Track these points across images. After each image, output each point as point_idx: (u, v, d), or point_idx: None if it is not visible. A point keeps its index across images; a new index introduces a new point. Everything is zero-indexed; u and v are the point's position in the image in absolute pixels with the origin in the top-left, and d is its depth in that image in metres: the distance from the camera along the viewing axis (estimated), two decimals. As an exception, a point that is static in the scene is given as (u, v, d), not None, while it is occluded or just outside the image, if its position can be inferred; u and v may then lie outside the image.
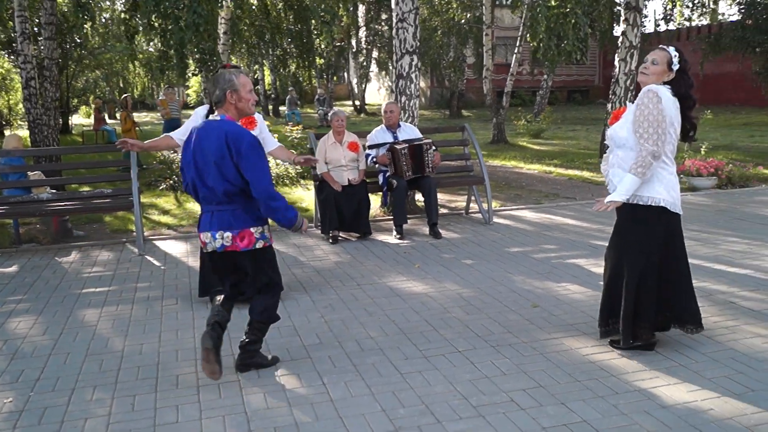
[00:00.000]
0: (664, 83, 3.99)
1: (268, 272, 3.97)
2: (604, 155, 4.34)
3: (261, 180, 3.69)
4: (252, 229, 3.82)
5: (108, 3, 27.35)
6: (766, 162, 12.54)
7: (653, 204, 3.98)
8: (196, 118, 5.19)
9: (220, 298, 4.14)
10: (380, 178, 8.07)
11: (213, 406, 3.67)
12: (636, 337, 4.16)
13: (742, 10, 22.22)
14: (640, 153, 3.86)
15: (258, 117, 5.52)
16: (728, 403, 3.53)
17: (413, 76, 9.09)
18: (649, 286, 4.08)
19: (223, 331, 3.90)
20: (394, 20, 9.12)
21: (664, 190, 3.98)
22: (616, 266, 4.19)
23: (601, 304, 4.34)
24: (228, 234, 3.79)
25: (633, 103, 4.05)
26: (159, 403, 3.72)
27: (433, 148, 7.78)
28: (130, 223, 8.87)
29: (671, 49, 4.01)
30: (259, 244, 3.85)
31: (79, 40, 22.30)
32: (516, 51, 18.91)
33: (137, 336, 4.79)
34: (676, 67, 3.97)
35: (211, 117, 3.91)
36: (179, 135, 5.36)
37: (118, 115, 26.09)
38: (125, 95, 15.64)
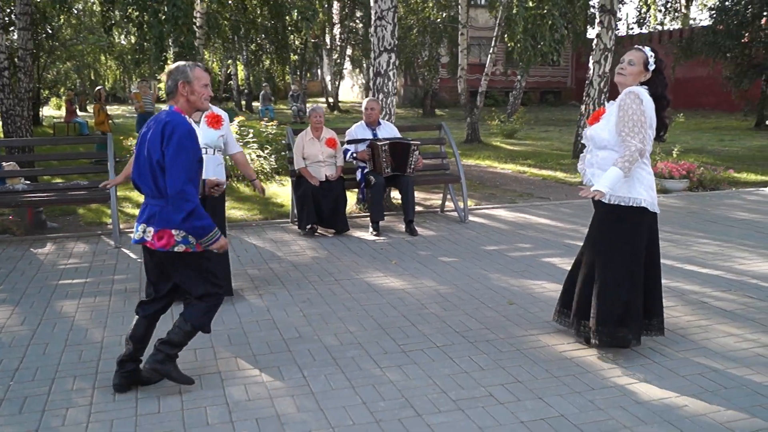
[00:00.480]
0: (641, 83, 4.05)
1: (195, 282, 3.66)
2: (581, 155, 4.40)
3: (175, 176, 3.41)
4: (173, 231, 3.53)
5: (82, -6, 27.00)
6: (736, 165, 12.80)
7: (635, 205, 4.03)
8: None
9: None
10: (358, 174, 8.10)
11: (194, 397, 3.67)
12: (620, 340, 4.15)
13: (713, 16, 22.59)
14: (628, 149, 3.88)
15: (225, 118, 5.44)
16: (702, 399, 3.62)
17: (391, 73, 9.13)
18: (638, 288, 4.11)
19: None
20: (373, 18, 9.15)
21: (644, 191, 4.04)
22: (594, 266, 4.19)
23: (563, 298, 4.42)
24: (150, 229, 3.57)
25: (609, 103, 4.11)
26: (140, 393, 3.72)
27: (418, 150, 7.86)
28: (104, 216, 8.81)
29: (647, 49, 4.06)
30: (179, 248, 3.55)
31: (50, 32, 21.97)
32: (491, 51, 19.05)
33: (116, 327, 4.77)
34: (652, 67, 4.03)
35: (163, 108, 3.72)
36: None
37: (90, 108, 25.78)
38: (98, 87, 15.47)
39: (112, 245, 7.18)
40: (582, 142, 4.32)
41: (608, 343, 4.17)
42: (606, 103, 4.17)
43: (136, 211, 9.01)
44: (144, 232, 3.59)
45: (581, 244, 6.92)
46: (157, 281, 3.78)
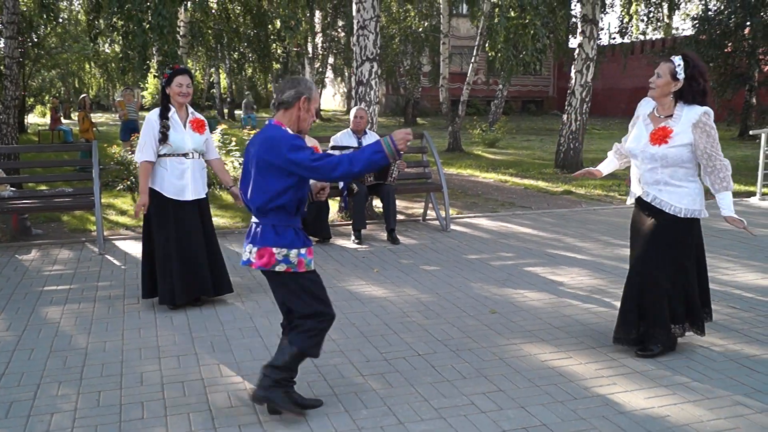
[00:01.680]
0: (673, 93, 4.07)
1: (298, 301, 3.47)
2: (633, 174, 4.40)
3: (317, 168, 3.25)
4: (274, 249, 3.37)
5: (65, 3, 26.87)
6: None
7: (696, 216, 4.17)
8: (151, 125, 5.13)
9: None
10: (340, 183, 8.12)
11: (178, 403, 3.67)
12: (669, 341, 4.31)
13: (696, 26, 22.83)
14: (723, 169, 4.04)
15: (206, 123, 5.49)
16: (684, 409, 3.65)
17: (373, 82, 9.17)
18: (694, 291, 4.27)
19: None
20: (355, 27, 9.20)
21: (699, 204, 4.18)
22: (657, 276, 4.23)
23: (626, 312, 4.36)
24: (254, 249, 3.42)
25: (672, 120, 4.09)
26: (124, 399, 3.73)
27: (401, 159, 7.89)
28: (89, 223, 8.77)
29: (676, 59, 4.04)
30: (280, 267, 3.38)
31: (36, 40, 21.87)
32: (472, 60, 19.18)
33: (100, 334, 4.78)
34: (681, 76, 4.00)
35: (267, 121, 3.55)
36: (149, 156, 5.14)
37: (75, 116, 25.62)
38: (83, 95, 15.40)
39: (96, 252, 7.17)
40: (640, 161, 4.27)
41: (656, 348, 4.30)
42: (668, 120, 4.12)
43: (120, 219, 9.05)
44: (250, 252, 3.44)
45: (563, 253, 7.09)
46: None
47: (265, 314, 5.20)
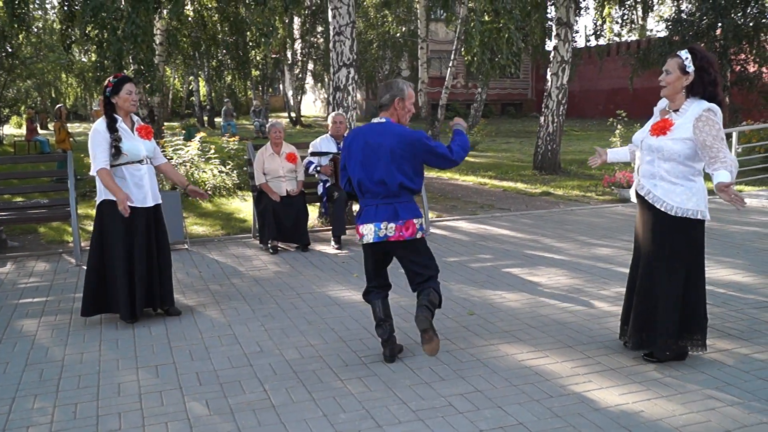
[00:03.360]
0: (684, 87, 4.00)
1: (430, 261, 4.28)
2: (636, 166, 4.35)
3: (447, 155, 4.19)
4: (414, 221, 4.15)
5: (41, 12, 26.67)
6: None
7: (701, 218, 4.08)
8: (101, 135, 4.90)
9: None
10: (320, 189, 8.14)
11: (155, 413, 3.66)
12: (682, 349, 4.23)
13: (669, 27, 23.16)
14: (729, 160, 3.84)
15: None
16: (657, 404, 3.70)
17: (350, 88, 9.20)
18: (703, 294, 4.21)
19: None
20: (331, 33, 9.23)
21: (704, 204, 4.09)
22: (656, 278, 4.16)
23: (636, 314, 4.24)
24: (392, 225, 4.12)
25: (677, 114, 4.04)
26: (101, 410, 3.70)
27: None
28: (66, 234, 8.71)
29: (683, 52, 3.99)
30: (419, 235, 4.18)
31: (10, 50, 21.69)
32: (450, 64, 19.27)
33: (77, 345, 4.74)
34: (690, 68, 3.94)
35: (374, 120, 4.32)
36: (105, 164, 4.90)
37: (51, 126, 25.42)
38: (59, 105, 15.29)
39: (74, 263, 7.11)
40: (640, 150, 4.22)
41: (673, 354, 4.23)
42: (673, 113, 4.08)
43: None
44: (386, 229, 4.13)
45: (541, 254, 7.15)
46: (380, 271, 4.39)
47: (244, 322, 5.20)
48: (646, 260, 4.20)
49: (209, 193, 7.66)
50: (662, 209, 4.08)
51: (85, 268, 6.85)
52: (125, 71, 10.30)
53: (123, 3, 9.85)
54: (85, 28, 10.22)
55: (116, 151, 4.92)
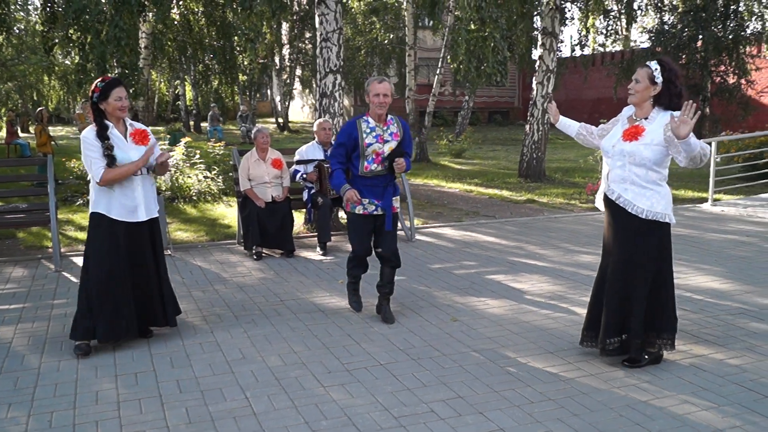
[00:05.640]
0: (652, 97, 4.13)
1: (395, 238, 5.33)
2: (603, 174, 4.42)
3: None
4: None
5: (22, 14, 26.48)
6: (674, 183, 13.13)
7: (668, 221, 4.19)
8: (91, 144, 4.53)
9: None
10: (305, 195, 8.13)
11: (133, 421, 3.63)
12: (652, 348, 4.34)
13: (652, 38, 23.45)
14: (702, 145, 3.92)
15: (149, 131, 4.96)
16: (635, 409, 3.73)
17: (337, 94, 9.21)
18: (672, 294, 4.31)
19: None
20: (318, 39, 9.24)
21: (663, 208, 4.16)
22: (626, 281, 4.22)
23: (608, 319, 4.28)
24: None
25: (647, 121, 4.14)
26: (78, 419, 3.66)
27: None
28: (45, 239, 8.63)
29: (652, 63, 4.13)
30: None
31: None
32: (438, 72, 19.34)
33: (54, 353, 4.67)
34: (659, 79, 4.08)
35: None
36: (102, 166, 4.53)
37: (32, 129, 25.23)
38: (40, 108, 15.16)
39: (53, 269, 7.03)
40: (611, 157, 4.27)
41: (651, 358, 4.33)
42: (642, 120, 4.18)
43: (78, 234, 8.93)
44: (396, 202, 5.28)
45: (525, 260, 7.18)
46: (369, 241, 5.33)
47: (227, 328, 5.17)
48: (619, 264, 4.26)
49: (193, 204, 7.41)
50: (633, 212, 4.17)
51: (64, 273, 6.86)
52: (109, 74, 10.25)
53: (106, 6, 9.80)
54: (68, 31, 10.15)
55: (110, 160, 4.52)
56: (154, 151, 4.78)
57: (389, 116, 5.25)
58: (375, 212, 5.20)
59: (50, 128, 15.83)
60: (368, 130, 5.15)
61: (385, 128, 5.19)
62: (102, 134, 4.55)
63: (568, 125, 4.77)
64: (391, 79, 28.41)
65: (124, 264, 4.67)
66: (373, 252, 5.37)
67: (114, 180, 4.56)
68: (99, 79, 4.67)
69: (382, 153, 5.15)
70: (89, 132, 4.60)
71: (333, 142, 8.25)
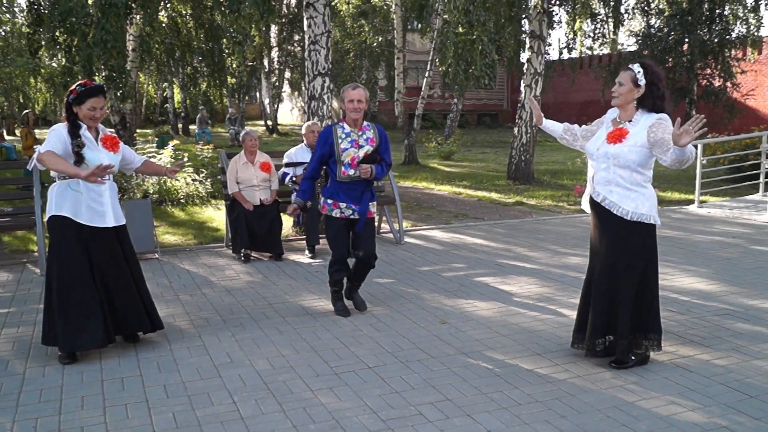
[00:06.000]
0: (636, 99, 4.17)
1: (374, 240, 5.50)
2: (588, 177, 4.44)
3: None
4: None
5: (8, 16, 26.31)
6: (661, 185, 13.30)
7: (653, 222, 4.22)
8: (61, 136, 4.38)
9: None
10: (293, 198, 8.09)
11: (120, 427, 3.61)
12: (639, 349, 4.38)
13: (639, 41, 23.59)
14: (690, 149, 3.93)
15: (118, 138, 4.93)
16: (622, 411, 3.75)
17: (325, 97, 9.21)
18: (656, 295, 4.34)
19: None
20: (307, 42, 9.24)
21: (648, 209, 4.19)
22: (618, 281, 4.24)
23: (595, 320, 4.30)
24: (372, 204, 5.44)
25: (631, 123, 4.17)
26: (63, 425, 3.63)
27: None
28: (31, 243, 8.57)
29: (635, 66, 4.16)
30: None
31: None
32: (427, 75, 19.37)
33: (40, 359, 4.63)
34: (642, 82, 4.12)
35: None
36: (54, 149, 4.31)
37: (18, 132, 25.05)
38: (26, 111, 15.07)
39: (38, 273, 6.98)
40: (596, 160, 4.30)
41: (638, 359, 4.36)
42: (626, 123, 4.21)
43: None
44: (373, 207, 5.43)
45: (513, 263, 7.20)
46: (347, 243, 5.41)
47: (215, 332, 5.15)
48: (606, 266, 4.28)
49: (181, 207, 7.35)
50: (618, 214, 4.20)
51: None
52: (96, 77, 10.19)
53: (92, 8, 9.76)
54: (54, 33, 10.09)
55: (78, 158, 4.38)
56: (114, 170, 4.63)
57: (366, 122, 5.42)
58: (352, 216, 5.35)
59: (36, 131, 15.69)
60: (343, 136, 5.31)
61: (360, 133, 5.34)
62: (74, 132, 4.42)
63: (552, 129, 4.78)
64: (379, 81, 28.31)
65: (93, 271, 4.51)
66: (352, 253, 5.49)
67: (50, 163, 4.24)
68: (81, 82, 4.56)
69: (357, 158, 5.27)
70: (61, 126, 4.46)
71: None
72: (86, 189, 4.47)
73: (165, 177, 5.17)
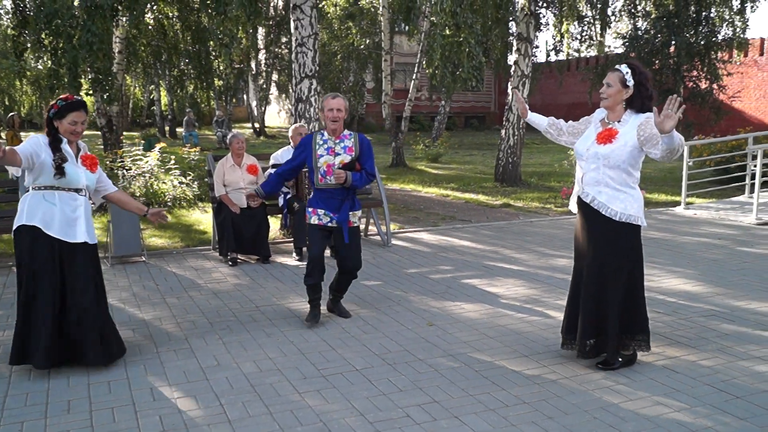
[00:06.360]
0: (625, 100, 4.19)
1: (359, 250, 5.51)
2: (577, 177, 4.45)
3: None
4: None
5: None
6: (648, 186, 13.36)
7: (640, 223, 4.23)
8: (39, 145, 4.26)
9: None
10: (281, 200, 8.10)
11: (107, 430, 3.59)
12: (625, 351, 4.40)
13: (626, 44, 23.75)
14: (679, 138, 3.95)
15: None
16: (609, 412, 3.77)
17: (312, 99, 9.21)
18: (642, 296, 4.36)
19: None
20: (294, 45, 9.24)
21: (636, 210, 4.21)
22: (607, 282, 4.26)
23: (585, 321, 4.32)
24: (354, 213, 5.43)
25: (620, 123, 4.20)
26: (49, 429, 3.61)
27: None
28: (17, 247, 8.48)
29: (623, 67, 4.18)
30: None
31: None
32: (414, 77, 19.39)
33: (25, 362, 4.59)
34: (630, 83, 4.15)
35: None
36: (23, 153, 4.21)
37: (3, 134, 24.90)
38: (12, 114, 14.99)
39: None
40: (585, 160, 4.30)
41: (625, 360, 4.39)
42: (615, 123, 4.23)
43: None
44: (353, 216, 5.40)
45: (500, 264, 7.22)
46: (325, 244, 5.39)
47: (201, 335, 5.14)
48: (594, 267, 4.29)
49: (168, 209, 7.12)
50: (607, 215, 4.22)
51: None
52: (82, 79, 10.13)
53: (78, 10, 9.70)
54: (40, 35, 10.02)
55: (58, 171, 4.27)
56: (90, 189, 4.54)
57: (348, 131, 5.44)
58: (329, 224, 5.33)
59: (22, 134, 15.61)
60: (321, 143, 5.35)
61: (337, 141, 5.36)
62: (55, 146, 4.32)
63: (537, 122, 4.77)
64: (367, 84, 28.25)
65: (56, 286, 4.32)
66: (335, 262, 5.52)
67: (9, 158, 4.09)
68: (62, 97, 4.47)
69: (333, 165, 5.28)
70: (43, 137, 4.35)
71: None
72: (62, 201, 4.34)
73: (141, 215, 4.92)
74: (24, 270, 4.30)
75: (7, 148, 4.10)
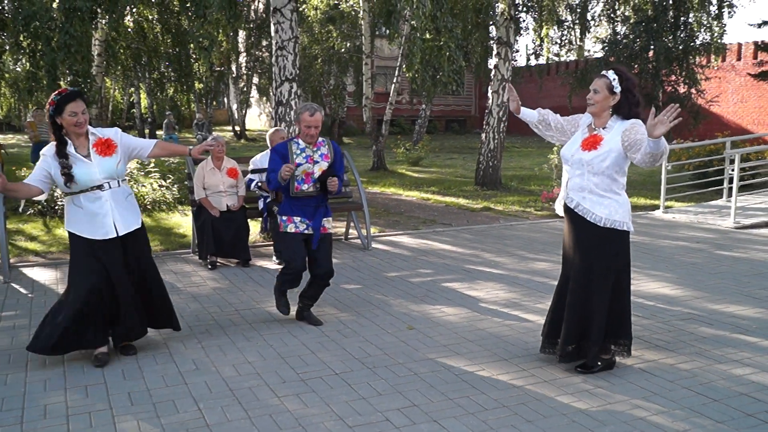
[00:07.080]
0: (611, 106, 4.21)
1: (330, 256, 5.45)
2: (563, 182, 4.46)
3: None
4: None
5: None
6: (628, 190, 13.41)
7: (627, 229, 4.24)
8: (47, 163, 4.43)
9: None
10: (260, 204, 8.07)
11: (83, 436, 3.56)
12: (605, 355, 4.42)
13: (606, 48, 23.95)
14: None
15: (116, 135, 4.66)
16: (588, 415, 3.79)
17: (293, 103, 9.19)
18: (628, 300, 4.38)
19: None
20: (274, 48, 9.22)
21: (621, 216, 4.23)
22: (593, 287, 4.26)
23: (569, 326, 4.33)
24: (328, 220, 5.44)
25: (604, 130, 4.22)
26: (27, 435, 3.57)
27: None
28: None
29: (610, 73, 4.20)
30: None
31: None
32: (395, 81, 19.43)
33: (1, 366, 4.55)
34: (617, 89, 4.17)
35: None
36: (37, 180, 4.46)
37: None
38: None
39: (1, 280, 6.84)
40: (571, 166, 4.33)
41: (604, 364, 4.40)
42: (600, 129, 4.25)
43: (29, 245, 8.70)
44: (328, 223, 5.40)
45: (480, 268, 7.24)
46: (304, 254, 5.32)
47: (180, 339, 5.10)
48: (580, 272, 4.30)
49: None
50: (591, 221, 4.23)
51: (13, 285, 6.68)
52: (60, 82, 10.03)
53: (56, 13, 9.62)
54: (18, 38, 9.92)
55: (67, 178, 4.37)
56: (118, 172, 4.62)
57: (321, 138, 5.45)
58: (306, 231, 5.32)
59: (0, 136, 15.39)
60: (298, 151, 5.33)
61: (315, 149, 5.37)
62: (61, 151, 4.39)
63: (528, 118, 4.71)
64: (348, 87, 28.26)
65: (110, 281, 4.55)
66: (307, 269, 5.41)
67: (25, 193, 4.52)
68: (56, 92, 4.48)
69: (312, 173, 5.29)
70: (49, 149, 4.47)
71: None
72: (85, 203, 4.50)
73: (187, 156, 5.22)
74: (72, 271, 4.58)
75: (9, 185, 4.37)
